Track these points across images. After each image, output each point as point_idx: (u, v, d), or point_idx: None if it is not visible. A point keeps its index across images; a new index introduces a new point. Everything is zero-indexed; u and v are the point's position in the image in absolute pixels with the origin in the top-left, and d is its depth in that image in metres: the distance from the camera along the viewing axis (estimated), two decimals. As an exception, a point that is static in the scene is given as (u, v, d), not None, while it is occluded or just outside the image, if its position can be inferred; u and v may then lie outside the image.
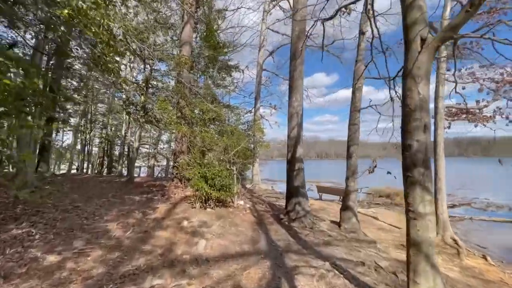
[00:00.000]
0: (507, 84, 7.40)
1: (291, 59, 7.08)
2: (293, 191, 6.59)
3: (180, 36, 10.80)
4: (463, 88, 8.63)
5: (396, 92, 5.22)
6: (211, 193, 6.00)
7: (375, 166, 3.75)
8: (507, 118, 7.19)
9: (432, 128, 8.99)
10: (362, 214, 11.40)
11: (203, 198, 6.28)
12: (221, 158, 8.17)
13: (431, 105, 8.59)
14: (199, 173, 6.33)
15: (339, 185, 28.98)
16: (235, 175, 7.40)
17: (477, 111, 7.98)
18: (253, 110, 18.69)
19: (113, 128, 22.65)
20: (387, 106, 6.21)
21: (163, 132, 19.45)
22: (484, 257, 6.69)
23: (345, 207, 6.85)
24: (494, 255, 7.68)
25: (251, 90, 20.40)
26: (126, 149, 17.68)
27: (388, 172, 3.38)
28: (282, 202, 9.52)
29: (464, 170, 52.11)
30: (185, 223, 5.21)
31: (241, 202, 7.67)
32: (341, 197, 15.47)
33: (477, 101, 8.13)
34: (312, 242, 5.23)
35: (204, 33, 12.18)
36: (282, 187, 23.94)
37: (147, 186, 9.57)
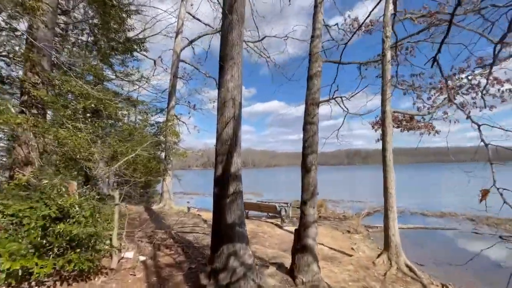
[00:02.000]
0: (448, 90, 7.09)
1: (224, 16, 4.41)
2: (226, 233, 3.78)
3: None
4: (404, 94, 8.07)
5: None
6: (32, 269, 2.45)
7: None
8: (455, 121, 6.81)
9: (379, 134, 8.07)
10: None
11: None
12: (95, 175, 4.58)
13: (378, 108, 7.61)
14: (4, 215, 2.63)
15: (259, 195, 27.81)
16: (116, 208, 3.98)
17: (421, 118, 7.47)
18: (166, 110, 14.88)
19: None
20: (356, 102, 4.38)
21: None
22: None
23: (301, 248, 4.53)
24: (439, 275, 7.04)
25: (165, 87, 16.41)
26: None
27: None
28: (204, 237, 6.49)
29: (363, 177, 61.79)
30: None
31: (129, 255, 4.26)
32: (269, 214, 13.66)
33: (418, 108, 7.68)
34: None
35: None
36: (200, 202, 20.46)
37: None
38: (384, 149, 7.05)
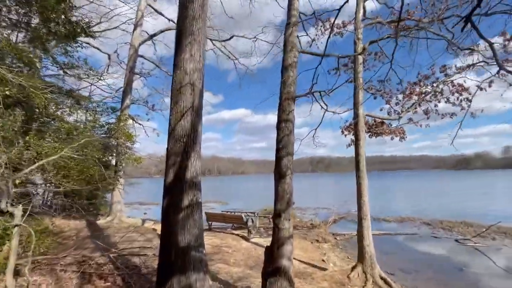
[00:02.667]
0: (416, 96, 7.11)
1: (183, -18, 3.55)
2: (177, 259, 2.81)
3: None
4: (375, 98, 7.95)
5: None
6: None
7: None
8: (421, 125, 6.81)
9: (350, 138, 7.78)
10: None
11: None
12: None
13: (350, 112, 7.34)
14: None
15: (224, 204, 26.48)
16: (16, 230, 2.71)
17: (389, 123, 7.36)
18: (120, 109, 13.17)
19: None
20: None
21: None
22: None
23: (274, 270, 3.73)
24: (408, 284, 6.83)
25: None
26: None
27: None
28: (156, 259, 5.29)
29: (327, 184, 63.78)
30: None
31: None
32: (234, 225, 12.63)
33: (389, 113, 7.60)
34: None
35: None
36: (159, 213, 18.47)
37: None
38: (357, 154, 6.73)
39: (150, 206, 25.54)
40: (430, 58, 7.24)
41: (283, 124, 4.05)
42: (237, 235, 11.01)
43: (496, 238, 10.60)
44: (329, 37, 3.53)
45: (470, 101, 7.94)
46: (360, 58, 7.23)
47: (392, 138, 7.31)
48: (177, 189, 2.95)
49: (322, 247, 10.08)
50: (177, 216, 2.88)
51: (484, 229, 10.64)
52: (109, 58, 15.84)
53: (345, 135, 8.97)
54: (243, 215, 10.49)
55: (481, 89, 7.55)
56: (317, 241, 10.76)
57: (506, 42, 6.45)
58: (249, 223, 10.40)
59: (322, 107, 4.10)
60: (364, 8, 8.18)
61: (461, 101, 8.02)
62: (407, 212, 17.48)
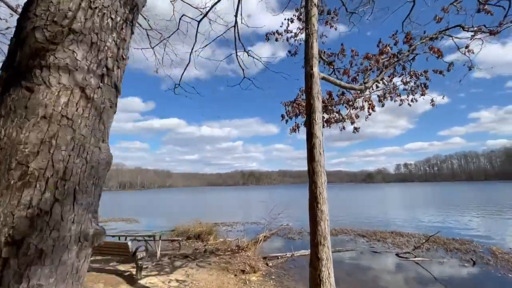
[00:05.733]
0: (380, 62, 5.14)
1: None
2: None
3: None
4: (329, 64, 5.68)
5: None
6: None
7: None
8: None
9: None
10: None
11: None
12: None
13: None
14: None
15: (134, 222, 20.66)
16: None
17: (353, 94, 5.15)
18: None
19: None
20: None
21: None
22: None
23: None
24: None
25: None
26: None
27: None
28: None
29: (257, 196, 62.22)
30: None
31: None
32: (121, 258, 8.29)
33: (348, 82, 5.42)
34: None
35: None
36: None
37: None
38: (310, 134, 4.10)
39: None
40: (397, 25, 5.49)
41: None
42: (122, 273, 6.99)
43: (430, 249, 9.86)
44: None
45: (427, 87, 6.57)
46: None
47: (342, 129, 5.07)
48: None
49: (250, 281, 7.06)
50: None
51: (424, 241, 9.70)
52: None
53: (286, 121, 6.45)
54: (129, 243, 6.53)
55: (440, 72, 6.20)
56: (243, 271, 7.67)
57: None
58: (140, 255, 6.48)
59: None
60: None
61: (418, 86, 6.57)
62: (338, 223, 16.45)
